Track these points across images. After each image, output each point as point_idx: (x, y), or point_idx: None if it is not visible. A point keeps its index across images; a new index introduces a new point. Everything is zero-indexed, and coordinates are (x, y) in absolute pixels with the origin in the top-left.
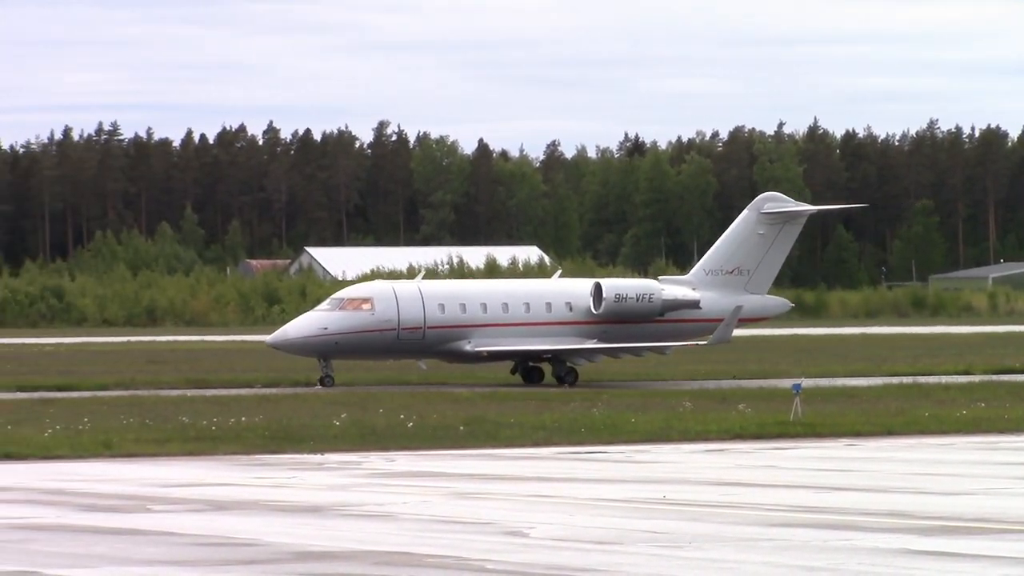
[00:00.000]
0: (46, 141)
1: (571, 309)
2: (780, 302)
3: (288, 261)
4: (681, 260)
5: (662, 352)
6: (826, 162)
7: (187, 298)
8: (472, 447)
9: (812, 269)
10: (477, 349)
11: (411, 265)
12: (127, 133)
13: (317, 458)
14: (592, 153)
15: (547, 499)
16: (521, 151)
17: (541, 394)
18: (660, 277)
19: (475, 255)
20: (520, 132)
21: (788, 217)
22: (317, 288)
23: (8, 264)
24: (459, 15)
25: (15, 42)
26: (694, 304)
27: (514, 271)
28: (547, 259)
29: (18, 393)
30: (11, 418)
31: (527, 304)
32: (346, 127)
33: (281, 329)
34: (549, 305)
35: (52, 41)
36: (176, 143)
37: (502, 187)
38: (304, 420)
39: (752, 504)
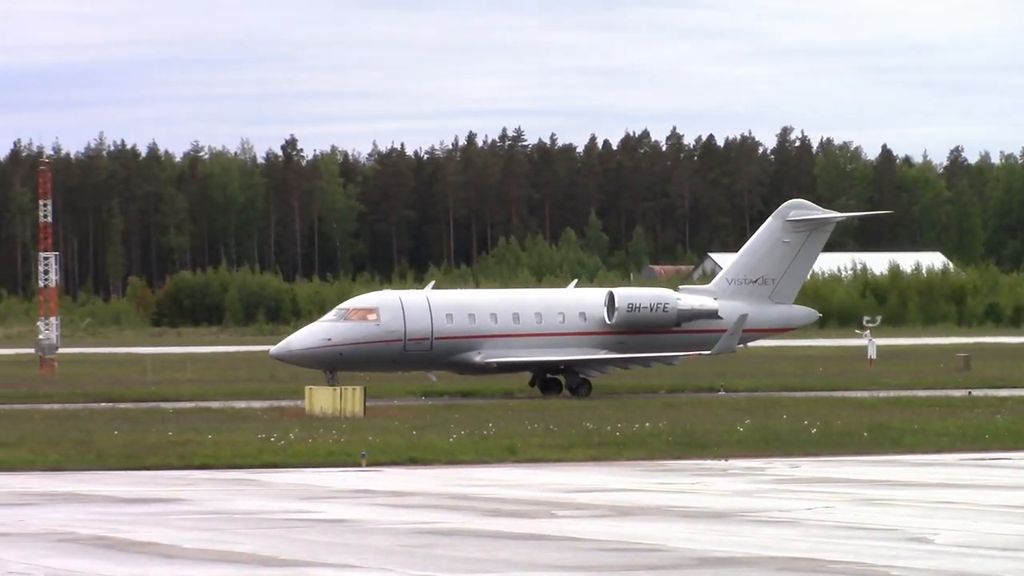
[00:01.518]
0: (451, 147)
1: (585, 319)
2: (807, 312)
3: (691, 267)
4: None
5: (670, 363)
6: None
7: None
8: (875, 453)
9: None
10: (487, 360)
11: (811, 270)
12: (531, 139)
13: (721, 464)
14: (995, 159)
15: (952, 505)
16: (924, 157)
17: (944, 400)
18: (681, 287)
19: (878, 261)
20: (923, 138)
21: (814, 225)
22: None
23: (413, 270)
24: (860, 20)
25: (421, 49)
26: (712, 314)
27: (917, 278)
28: (951, 266)
29: (424, 399)
30: (417, 423)
31: (539, 314)
32: (749, 132)
33: (285, 340)
34: (562, 315)
35: (457, 48)
36: (579, 149)
37: (905, 193)
38: (708, 426)
39: None
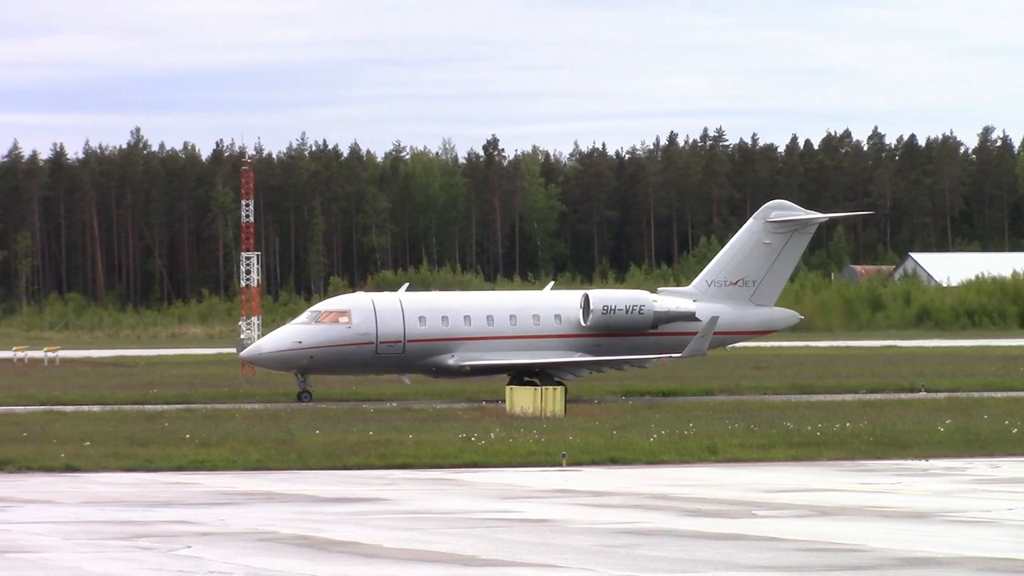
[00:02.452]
0: (652, 147)
1: (560, 321)
2: (788, 314)
3: (892, 267)
4: None
5: (642, 365)
6: None
7: (791, 303)
8: None
9: None
10: (460, 363)
11: (1014, 271)
12: (732, 139)
13: (922, 464)
14: None
15: None
16: None
17: None
18: (660, 288)
19: None
20: None
21: (796, 226)
22: (920, 294)
23: (615, 269)
24: None
25: (622, 49)
26: (689, 316)
27: None
28: None
29: (624, 398)
30: (617, 423)
31: (513, 316)
32: (950, 132)
33: (255, 343)
34: (537, 318)
35: (659, 48)
36: (780, 148)
37: None
38: (908, 426)
39: None
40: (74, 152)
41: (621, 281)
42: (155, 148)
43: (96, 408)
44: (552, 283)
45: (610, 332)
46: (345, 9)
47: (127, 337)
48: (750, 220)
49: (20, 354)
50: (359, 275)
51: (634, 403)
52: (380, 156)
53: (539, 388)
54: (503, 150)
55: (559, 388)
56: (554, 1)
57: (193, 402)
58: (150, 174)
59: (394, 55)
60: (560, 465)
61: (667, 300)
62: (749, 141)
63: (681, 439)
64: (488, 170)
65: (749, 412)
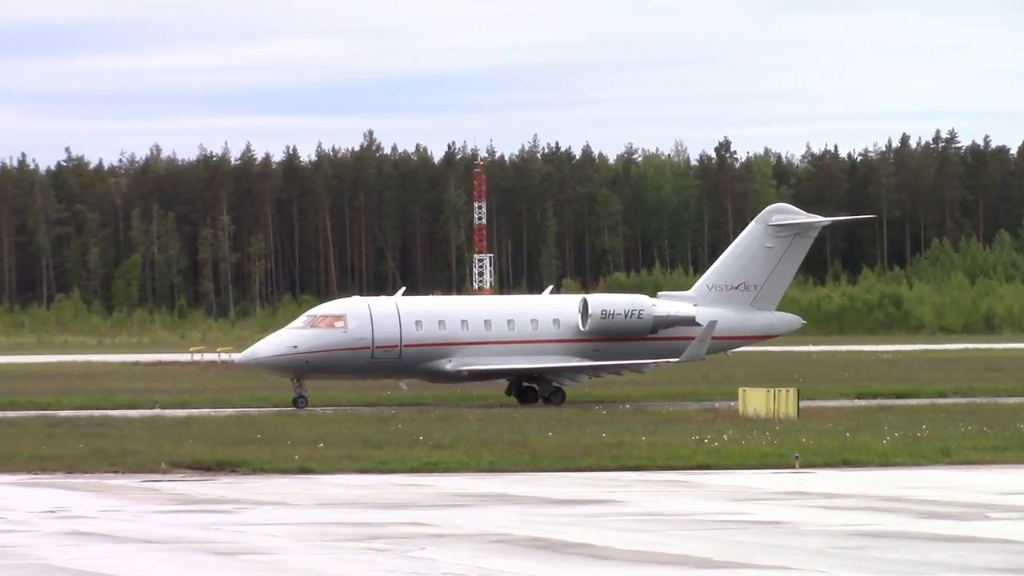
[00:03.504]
0: (884, 149)
1: (559, 326)
2: (790, 319)
3: None
4: None
5: (640, 370)
6: None
7: None
8: None
9: None
10: (458, 368)
11: None
12: (964, 141)
13: None
14: None
15: None
16: None
17: None
18: (660, 293)
19: None
20: None
21: (797, 230)
22: None
23: (847, 271)
24: None
25: (854, 51)
26: (689, 321)
27: None
28: None
29: (857, 400)
30: (850, 425)
31: (511, 321)
32: None
33: (251, 348)
34: (535, 322)
35: (890, 49)
36: (1013, 150)
37: None
38: None
39: None
40: (307, 154)
41: (853, 284)
42: (387, 151)
43: (330, 410)
44: (550, 287)
45: (609, 337)
46: (576, 12)
47: None
48: (751, 223)
49: None
50: (591, 277)
51: (867, 405)
52: (612, 158)
53: (772, 390)
54: (735, 152)
55: (792, 390)
56: (788, 3)
57: (426, 404)
58: (382, 176)
59: (625, 57)
60: (794, 467)
61: (666, 305)
62: (981, 143)
63: (914, 441)
64: (720, 172)
65: (982, 414)
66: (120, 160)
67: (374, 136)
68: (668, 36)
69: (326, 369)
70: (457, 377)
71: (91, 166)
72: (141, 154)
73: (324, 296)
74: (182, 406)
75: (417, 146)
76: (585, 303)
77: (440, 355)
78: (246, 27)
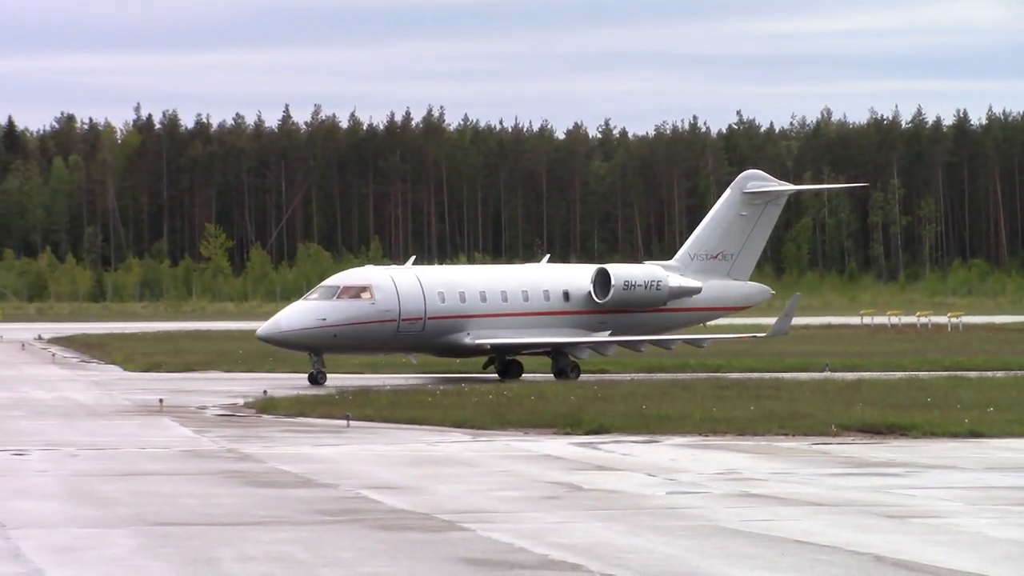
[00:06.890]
0: None
1: (568, 298)
2: (762, 289)
3: None
4: None
5: (667, 347)
6: None
7: None
8: None
9: None
10: (477, 342)
11: None
12: None
13: None
14: None
15: None
16: None
17: None
18: (646, 262)
19: None
20: None
21: (770, 197)
22: None
23: None
24: None
25: None
26: (696, 292)
27: None
28: None
29: None
30: None
31: (525, 292)
32: None
33: (273, 320)
34: (547, 293)
35: None
36: None
37: None
38: None
39: None
40: (977, 118)
41: None
42: None
43: (1000, 374)
44: (548, 256)
45: (625, 308)
46: None
47: None
48: (727, 191)
49: (924, 319)
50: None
51: None
52: None
53: None
54: None
55: None
56: None
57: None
58: None
59: None
60: None
61: (677, 276)
62: None
63: None
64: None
65: None
66: (791, 123)
67: None
68: None
69: (352, 343)
70: (477, 351)
71: (762, 129)
72: (812, 117)
73: (994, 263)
74: (852, 369)
75: None
76: (604, 273)
77: (460, 328)
78: None
